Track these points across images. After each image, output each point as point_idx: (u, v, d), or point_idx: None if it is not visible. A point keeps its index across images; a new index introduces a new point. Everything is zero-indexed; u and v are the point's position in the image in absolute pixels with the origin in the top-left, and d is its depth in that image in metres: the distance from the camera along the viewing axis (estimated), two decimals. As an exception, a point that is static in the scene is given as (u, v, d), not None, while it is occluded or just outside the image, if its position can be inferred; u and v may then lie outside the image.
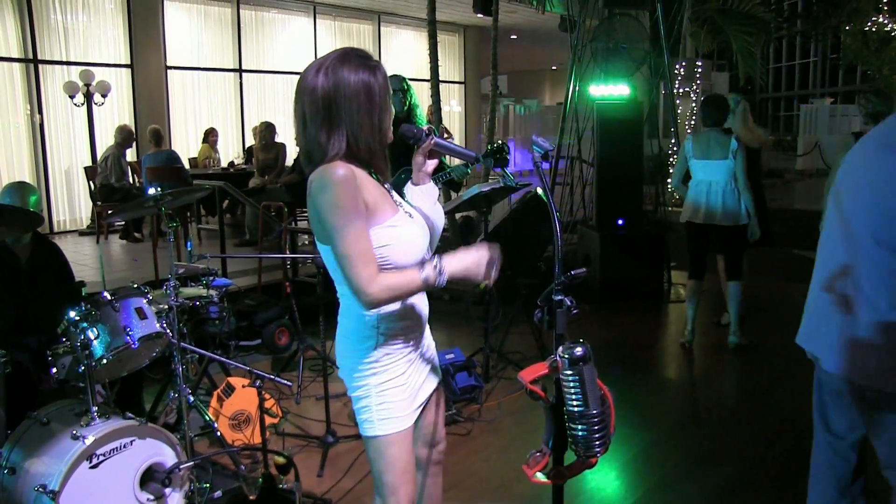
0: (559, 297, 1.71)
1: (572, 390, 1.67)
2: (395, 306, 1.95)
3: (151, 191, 3.23)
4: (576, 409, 1.67)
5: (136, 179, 9.73)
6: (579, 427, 1.68)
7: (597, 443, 1.70)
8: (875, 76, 16.64)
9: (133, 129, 9.06)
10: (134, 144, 10.47)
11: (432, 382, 2.14)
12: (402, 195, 2.12)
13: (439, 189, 2.17)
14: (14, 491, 2.67)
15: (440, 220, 2.17)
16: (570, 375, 1.66)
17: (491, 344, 4.83)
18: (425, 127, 2.11)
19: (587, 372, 1.65)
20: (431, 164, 2.14)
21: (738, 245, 5.24)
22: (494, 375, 4.79)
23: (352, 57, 1.90)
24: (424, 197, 2.12)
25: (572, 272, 1.73)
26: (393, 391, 1.97)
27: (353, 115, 1.86)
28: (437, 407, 2.21)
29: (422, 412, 2.13)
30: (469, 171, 2.05)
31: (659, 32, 7.68)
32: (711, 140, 5.15)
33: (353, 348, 1.98)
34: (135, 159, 10.26)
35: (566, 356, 1.65)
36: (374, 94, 1.88)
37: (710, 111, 5.25)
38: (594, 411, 1.67)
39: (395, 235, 1.90)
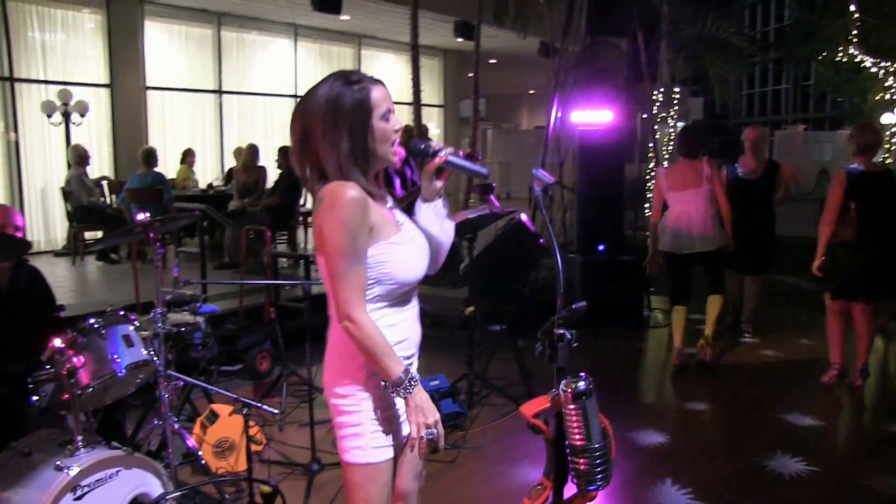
0: (560, 331, 1.71)
1: (575, 424, 1.67)
2: (394, 324, 1.93)
3: (140, 216, 3.18)
4: (578, 443, 1.68)
5: (110, 197, 9.64)
6: (581, 461, 1.68)
7: (598, 476, 1.70)
8: (845, 104, 17.09)
9: (87, 149, 8.97)
10: (112, 162, 10.45)
11: None
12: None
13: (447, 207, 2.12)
14: (-4, 525, 2.61)
15: (448, 238, 2.14)
16: (574, 410, 1.66)
17: (475, 370, 4.81)
18: (434, 143, 2.05)
19: (590, 405, 1.66)
20: (440, 182, 2.07)
21: (719, 264, 5.42)
22: (479, 402, 4.77)
23: (334, 77, 1.91)
24: (432, 215, 2.08)
25: (573, 306, 1.74)
26: (387, 417, 1.93)
27: (325, 134, 1.85)
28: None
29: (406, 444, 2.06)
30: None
31: (639, 59, 7.81)
32: (686, 170, 5.26)
33: (345, 366, 1.93)
34: (114, 177, 10.18)
35: (570, 390, 1.65)
36: (342, 112, 1.85)
37: (684, 141, 5.40)
38: (596, 445, 1.68)
39: (397, 253, 1.90)
